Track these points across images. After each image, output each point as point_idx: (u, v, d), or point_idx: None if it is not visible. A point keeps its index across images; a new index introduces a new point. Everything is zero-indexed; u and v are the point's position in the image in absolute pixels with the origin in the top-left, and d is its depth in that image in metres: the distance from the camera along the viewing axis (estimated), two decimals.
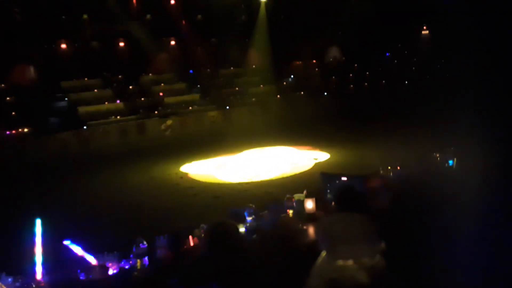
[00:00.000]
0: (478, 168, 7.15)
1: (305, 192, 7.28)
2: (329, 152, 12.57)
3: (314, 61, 23.50)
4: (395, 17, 21.16)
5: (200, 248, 6.01)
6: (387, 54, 24.36)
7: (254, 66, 22.04)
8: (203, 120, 18.06)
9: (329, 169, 10.65)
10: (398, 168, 8.32)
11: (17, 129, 14.89)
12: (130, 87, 19.29)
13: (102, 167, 12.63)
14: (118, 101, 17.93)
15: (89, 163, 13.13)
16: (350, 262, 2.51)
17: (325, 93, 20.86)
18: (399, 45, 24.09)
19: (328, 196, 6.80)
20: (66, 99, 17.51)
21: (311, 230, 6.67)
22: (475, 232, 4.64)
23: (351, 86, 21.84)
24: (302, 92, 20.83)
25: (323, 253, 2.72)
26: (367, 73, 22.61)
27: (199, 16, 22.50)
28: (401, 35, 22.97)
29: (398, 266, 2.64)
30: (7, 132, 14.78)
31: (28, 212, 8.38)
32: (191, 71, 21.24)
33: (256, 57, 21.89)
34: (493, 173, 6.74)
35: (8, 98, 16.49)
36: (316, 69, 23.36)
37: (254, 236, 6.30)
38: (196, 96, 19.71)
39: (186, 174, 11.60)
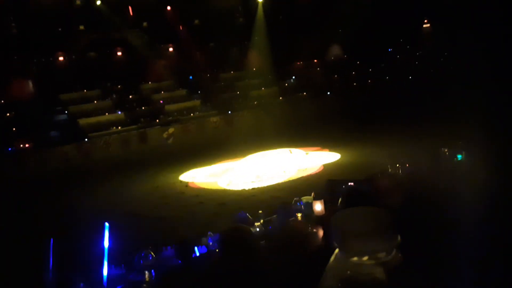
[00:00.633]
0: (487, 161, 7.01)
1: (313, 194, 7.14)
2: (338, 153, 12.38)
3: (315, 60, 23.34)
4: (396, 12, 21.01)
5: (211, 256, 5.91)
6: (389, 49, 24.19)
7: (254, 69, 21.90)
8: (206, 126, 17.92)
9: (338, 170, 10.52)
10: (407, 165, 8.18)
11: (18, 145, 14.79)
12: (130, 96, 19.19)
13: (105, 178, 12.50)
14: (118, 112, 17.82)
15: (92, 175, 13.00)
16: (365, 258, 2.34)
17: (328, 93, 20.70)
18: (401, 40, 23.92)
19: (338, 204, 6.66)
20: (66, 111, 17.41)
21: (320, 232, 6.54)
22: (487, 227, 4.53)
23: (354, 84, 21.67)
24: (304, 93, 20.67)
25: (337, 251, 2.54)
26: (370, 70, 22.44)
27: (196, 21, 22.42)
28: (403, 30, 22.81)
29: (415, 261, 2.47)
30: (9, 149, 14.68)
31: (32, 228, 8.30)
32: (190, 77, 21.11)
33: (256, 59, 21.75)
34: (501, 167, 6.60)
35: (7, 114, 16.41)
36: (318, 68, 23.21)
37: (263, 242, 6.17)
38: (197, 102, 19.59)
39: (191, 182, 11.46)
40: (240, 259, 3.16)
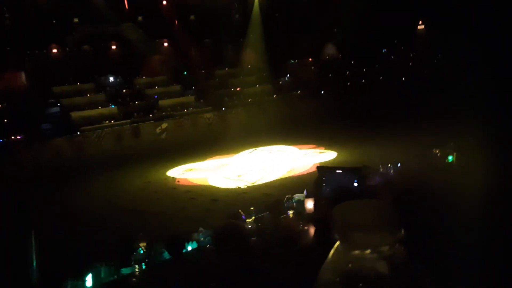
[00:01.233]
0: (478, 162, 7.10)
1: (305, 192, 7.18)
2: (332, 151, 12.41)
3: (310, 59, 23.36)
4: (391, 13, 21.08)
5: (203, 252, 5.93)
6: (384, 50, 24.27)
7: (249, 66, 21.86)
8: (199, 122, 17.87)
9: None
10: (398, 165, 8.26)
11: (9, 137, 14.65)
12: (124, 90, 19.08)
13: (97, 172, 12.41)
14: (112, 106, 17.71)
15: (84, 169, 12.91)
16: (368, 251, 2.31)
17: (322, 92, 20.74)
18: (396, 41, 24.02)
19: (324, 187, 6.73)
20: (58, 104, 17.27)
21: (312, 230, 6.58)
22: (483, 224, 4.60)
23: (348, 83, 21.73)
24: (298, 91, 20.69)
25: (337, 243, 2.51)
26: (364, 70, 22.51)
27: (192, 17, 22.31)
28: (398, 31, 22.90)
29: (418, 255, 2.47)
30: (0, 140, 14.55)
31: (22, 220, 8.25)
32: (185, 72, 21.03)
33: (251, 56, 21.71)
34: (492, 167, 6.69)
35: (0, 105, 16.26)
36: (313, 67, 23.23)
37: (255, 238, 6.19)
38: (191, 98, 19.51)
39: (183, 178, 11.43)
40: (233, 255, 3.17)
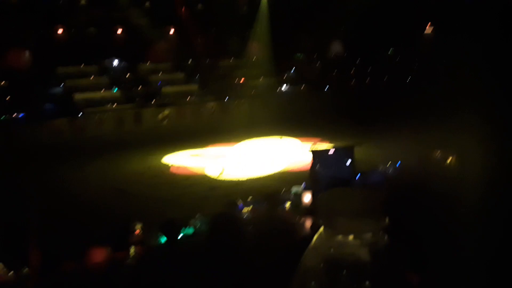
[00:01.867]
0: (477, 164, 7.12)
1: (303, 184, 7.19)
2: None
3: (316, 55, 23.28)
4: (398, 13, 20.97)
5: (199, 239, 5.96)
6: (390, 50, 24.16)
7: (254, 58, 21.79)
8: (201, 111, 17.86)
9: None
10: (398, 163, 8.28)
11: (11, 115, 14.63)
12: (127, 75, 19.03)
13: (97, 155, 12.43)
14: (115, 89, 17.68)
15: (83, 151, 12.91)
16: (350, 237, 2.32)
17: (326, 88, 20.71)
18: (402, 41, 23.91)
19: (317, 168, 6.78)
20: (61, 85, 17.23)
21: (308, 222, 6.60)
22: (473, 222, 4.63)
23: (352, 81, 21.69)
24: (303, 86, 20.66)
25: (321, 229, 2.51)
26: (369, 69, 22.46)
27: (200, 5, 22.19)
28: (405, 32, 22.78)
29: (400, 244, 2.48)
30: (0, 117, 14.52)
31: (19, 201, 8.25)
32: (189, 61, 20.96)
33: (257, 49, 21.63)
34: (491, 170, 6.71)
35: (1, 83, 16.20)
36: (318, 63, 23.17)
37: (250, 227, 6.22)
38: (194, 87, 19.48)
39: (183, 166, 11.45)
40: (229, 243, 3.20)
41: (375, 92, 20.20)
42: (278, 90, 20.27)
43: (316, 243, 2.47)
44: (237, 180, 9.79)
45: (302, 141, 13.28)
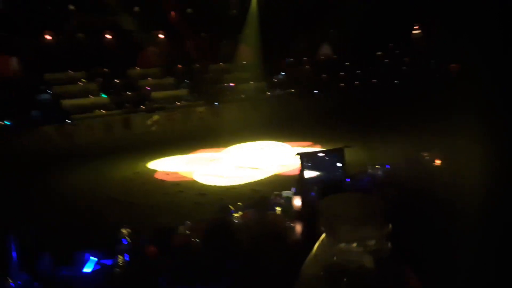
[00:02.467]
0: (465, 166, 7.16)
1: (293, 189, 7.17)
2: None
3: (305, 58, 23.35)
4: (387, 16, 21.13)
5: (189, 245, 5.90)
6: (378, 53, 24.33)
7: (244, 62, 21.79)
8: (191, 116, 17.79)
9: None
10: (387, 166, 8.29)
11: None
12: (116, 80, 18.90)
13: (86, 162, 12.30)
14: (103, 95, 17.55)
15: (72, 158, 12.78)
16: (354, 245, 2.26)
17: (316, 91, 20.77)
18: (391, 44, 24.09)
19: (305, 172, 6.77)
20: (49, 91, 17.06)
21: (298, 227, 6.58)
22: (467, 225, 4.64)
23: (342, 84, 21.77)
24: (292, 89, 20.70)
25: (323, 236, 2.45)
26: (358, 71, 22.57)
27: (189, 10, 22.16)
28: (393, 35, 22.98)
29: (405, 251, 2.44)
30: None
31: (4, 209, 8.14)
32: (179, 65, 20.89)
33: (247, 52, 21.64)
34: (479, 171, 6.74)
35: None
36: (307, 66, 23.23)
37: (242, 233, 6.18)
38: (184, 91, 19.42)
39: (172, 171, 11.38)
40: (221, 249, 3.18)
41: (366, 94, 20.32)
42: (268, 94, 20.29)
43: (318, 251, 2.40)
44: (227, 185, 9.75)
45: (292, 145, 13.29)
